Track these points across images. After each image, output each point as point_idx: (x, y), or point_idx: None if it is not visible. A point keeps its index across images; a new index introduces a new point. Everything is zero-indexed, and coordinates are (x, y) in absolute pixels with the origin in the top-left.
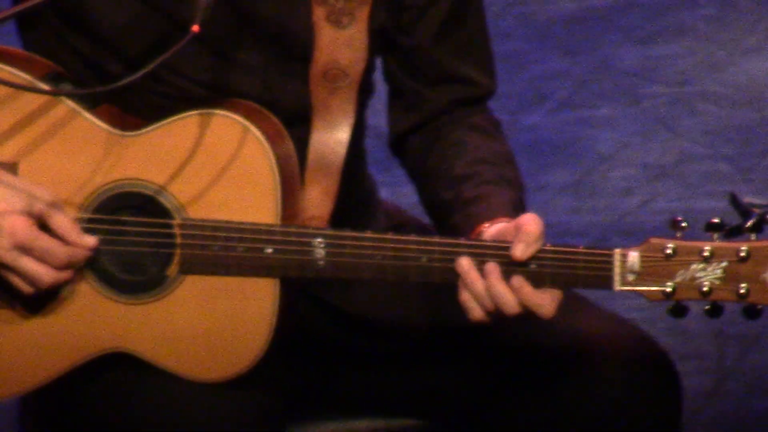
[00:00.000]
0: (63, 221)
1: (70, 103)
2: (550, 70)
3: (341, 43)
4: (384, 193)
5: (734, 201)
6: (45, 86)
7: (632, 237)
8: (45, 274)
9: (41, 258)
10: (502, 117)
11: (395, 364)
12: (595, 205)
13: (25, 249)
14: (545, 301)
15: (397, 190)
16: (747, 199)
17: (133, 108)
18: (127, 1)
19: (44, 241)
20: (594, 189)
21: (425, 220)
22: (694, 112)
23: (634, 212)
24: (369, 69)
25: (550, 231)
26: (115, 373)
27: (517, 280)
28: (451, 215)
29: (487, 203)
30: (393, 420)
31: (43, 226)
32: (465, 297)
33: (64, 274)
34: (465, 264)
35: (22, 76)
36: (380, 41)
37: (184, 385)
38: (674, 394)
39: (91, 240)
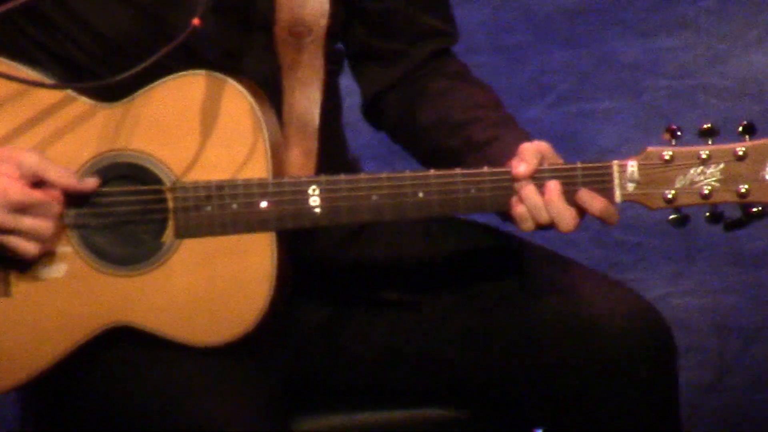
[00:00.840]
0: (58, 172)
1: (47, 79)
2: (551, 63)
3: (303, 1)
4: None
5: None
6: (49, 80)
7: (634, 231)
8: (47, 227)
9: (40, 213)
10: None
11: (394, 355)
12: None
13: (22, 209)
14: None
15: None
16: None
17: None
18: (115, 6)
19: (38, 195)
20: None
21: None
22: (696, 105)
23: (634, 205)
24: (334, 26)
25: None
26: (117, 363)
27: (586, 193)
28: (464, 161)
29: (505, 142)
30: (397, 412)
31: (40, 185)
32: (521, 210)
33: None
34: (525, 181)
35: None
36: (345, 7)
37: (186, 375)
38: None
39: (92, 181)
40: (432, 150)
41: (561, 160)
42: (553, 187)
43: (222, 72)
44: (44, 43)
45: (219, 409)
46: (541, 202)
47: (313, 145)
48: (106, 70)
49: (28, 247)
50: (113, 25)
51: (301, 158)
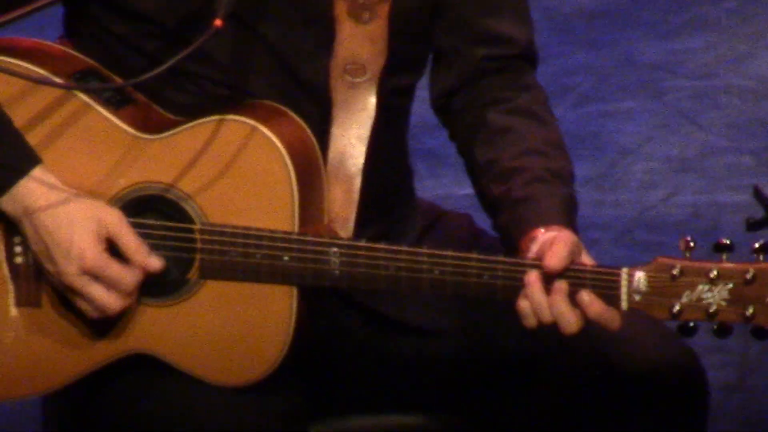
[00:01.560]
0: (131, 242)
1: (95, 104)
2: (572, 63)
3: (361, 38)
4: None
5: (758, 194)
6: (59, 80)
7: (655, 230)
8: (114, 302)
9: (110, 285)
10: None
11: (428, 362)
12: (618, 199)
13: (94, 276)
14: (613, 315)
15: (419, 184)
16: None
17: (162, 98)
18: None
19: (113, 269)
20: (617, 182)
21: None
22: (717, 106)
23: (657, 206)
24: (392, 66)
25: None
26: (138, 374)
27: (587, 295)
28: (500, 213)
29: (537, 205)
30: (413, 416)
31: (111, 245)
32: (524, 305)
33: (131, 299)
34: (532, 278)
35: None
36: (403, 36)
37: (206, 387)
38: (700, 392)
39: (157, 263)
40: (482, 191)
41: (587, 260)
42: (560, 288)
43: (273, 104)
44: (124, 34)
45: (236, 417)
46: (545, 302)
47: (356, 186)
48: (152, 43)
49: (91, 313)
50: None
51: (342, 196)
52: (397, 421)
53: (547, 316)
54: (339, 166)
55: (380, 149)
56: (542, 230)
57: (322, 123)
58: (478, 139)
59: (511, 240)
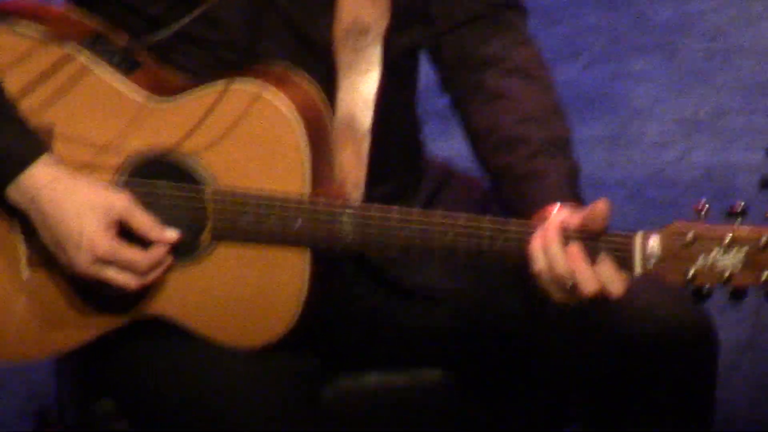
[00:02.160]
0: (144, 222)
1: (104, 68)
2: (585, 24)
3: (363, 1)
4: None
5: None
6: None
7: (668, 190)
8: (130, 281)
9: (125, 268)
10: None
11: (439, 324)
12: (631, 159)
13: (107, 261)
14: (617, 278)
15: (432, 145)
16: None
17: (170, 62)
18: None
19: (125, 253)
20: (629, 143)
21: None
22: (731, 66)
23: (669, 166)
24: (397, 26)
25: (585, 183)
26: (151, 337)
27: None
28: (502, 185)
29: (542, 182)
30: (425, 372)
31: (124, 226)
32: (536, 246)
33: (150, 277)
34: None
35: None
36: None
37: (220, 349)
38: (711, 355)
39: (173, 234)
40: (480, 156)
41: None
42: (575, 245)
43: (282, 67)
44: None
45: (250, 378)
46: (561, 254)
47: (365, 147)
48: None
49: (108, 293)
50: None
51: (351, 159)
52: (409, 380)
53: (561, 269)
54: (347, 128)
55: (388, 110)
56: (557, 206)
57: (329, 86)
58: (475, 103)
59: (515, 213)
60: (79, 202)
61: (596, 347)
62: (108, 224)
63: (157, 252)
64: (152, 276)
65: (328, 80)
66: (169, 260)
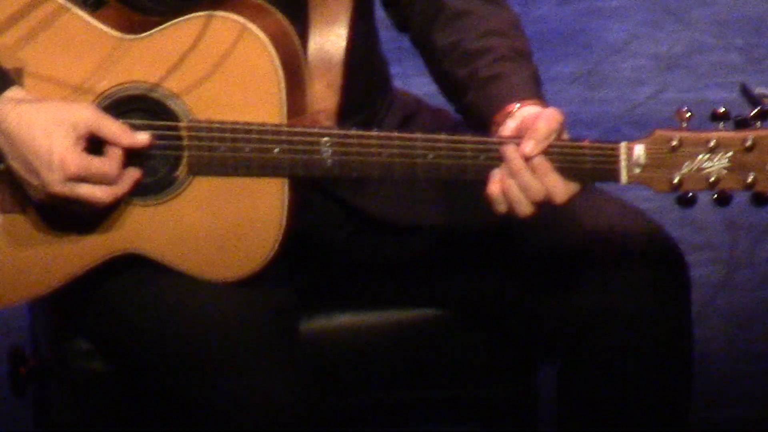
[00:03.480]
0: (112, 128)
1: (72, 6)
2: None
3: None
4: (396, 86)
5: (744, 91)
6: None
7: (643, 127)
8: (104, 194)
9: (97, 181)
10: (511, 8)
11: (409, 259)
12: (606, 96)
13: (79, 178)
14: (560, 186)
15: (408, 82)
16: (758, 89)
17: (146, 3)
18: None
19: (96, 165)
20: (604, 79)
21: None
22: (705, 3)
23: (644, 103)
24: None
25: None
26: (129, 273)
27: (540, 163)
28: (466, 93)
29: (507, 81)
30: (405, 311)
31: (94, 137)
32: (495, 189)
33: (122, 188)
34: (511, 151)
35: None
36: None
37: (197, 283)
38: (682, 284)
39: (145, 137)
40: (444, 74)
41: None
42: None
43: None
44: None
45: (228, 311)
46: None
47: (338, 78)
48: None
49: (83, 211)
50: None
51: (324, 90)
52: (385, 316)
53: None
54: (320, 62)
55: (357, 41)
56: (517, 105)
57: (299, 22)
58: (437, 24)
59: (480, 118)
60: (45, 120)
61: (565, 307)
62: (76, 138)
63: (120, 156)
64: (123, 188)
65: (297, 17)
66: (137, 173)
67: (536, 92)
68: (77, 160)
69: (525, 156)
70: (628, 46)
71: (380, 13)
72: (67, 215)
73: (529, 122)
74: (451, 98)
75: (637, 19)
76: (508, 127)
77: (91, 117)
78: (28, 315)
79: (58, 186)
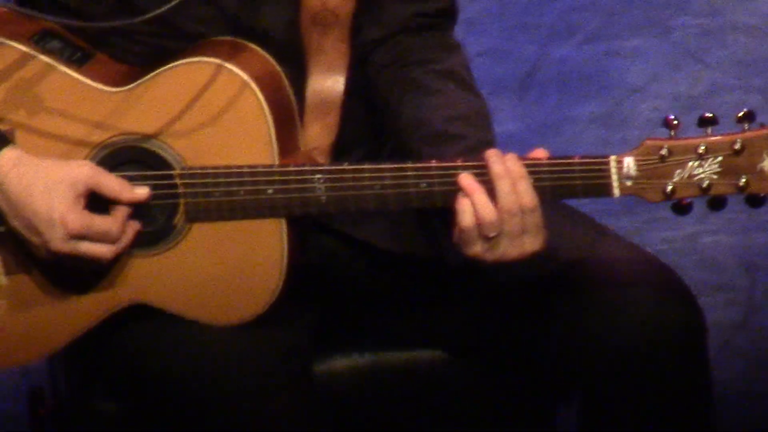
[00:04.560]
0: (111, 185)
1: (56, 62)
2: (579, 1)
3: None
4: None
5: None
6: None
7: None
8: (106, 252)
9: (99, 239)
10: (531, 49)
11: (419, 297)
12: (626, 137)
13: (80, 236)
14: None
15: None
16: None
17: (127, 56)
18: None
19: (97, 224)
20: (625, 121)
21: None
22: (725, 44)
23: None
24: (361, 12)
25: None
26: (139, 324)
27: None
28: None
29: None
30: (422, 352)
31: (92, 196)
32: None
33: (123, 243)
34: (466, 177)
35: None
36: None
37: (207, 328)
38: (696, 322)
39: (144, 191)
40: (407, 145)
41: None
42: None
43: (243, 41)
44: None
45: (240, 355)
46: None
47: (335, 119)
48: (100, 9)
49: (85, 267)
50: None
51: (319, 131)
52: (400, 358)
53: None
54: (316, 105)
55: (356, 86)
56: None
57: (297, 68)
58: (406, 98)
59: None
60: (45, 180)
61: (582, 351)
62: (76, 197)
63: (124, 213)
64: (125, 242)
65: (296, 68)
66: (137, 226)
67: None
68: (78, 218)
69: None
70: (647, 87)
71: None
72: (71, 272)
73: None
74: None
75: (657, 60)
76: None
77: (89, 174)
78: (47, 357)
79: (60, 244)
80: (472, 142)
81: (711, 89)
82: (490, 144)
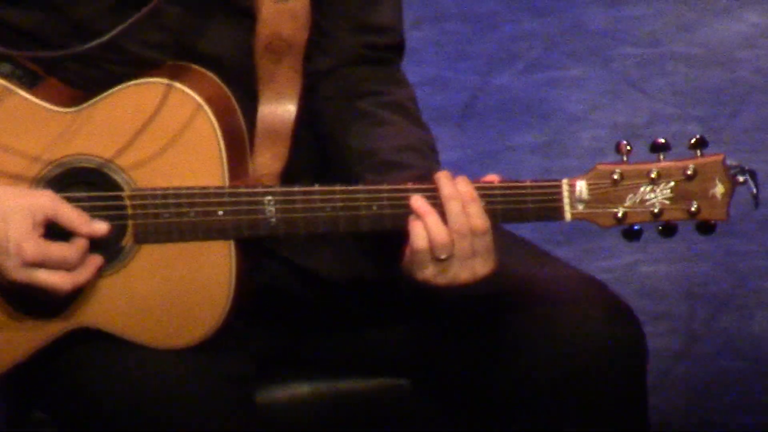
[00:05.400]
0: (71, 216)
1: (7, 84)
2: (520, 30)
3: (284, 16)
4: None
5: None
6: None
7: None
8: (63, 282)
9: (56, 266)
10: (472, 78)
11: (364, 323)
12: (566, 165)
13: (36, 263)
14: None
15: None
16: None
17: (79, 80)
18: None
19: (54, 252)
20: (565, 149)
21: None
22: (665, 73)
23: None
24: (313, 39)
25: None
26: (81, 347)
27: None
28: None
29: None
30: (365, 380)
31: (49, 225)
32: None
33: (83, 276)
34: (418, 199)
35: None
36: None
37: (152, 352)
38: (639, 343)
39: (103, 227)
40: (352, 175)
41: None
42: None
43: (193, 64)
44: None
45: (182, 380)
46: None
47: (284, 148)
48: (56, 35)
49: (42, 298)
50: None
51: (269, 160)
52: (345, 386)
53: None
54: (266, 133)
55: (305, 115)
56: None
57: (249, 96)
58: (354, 129)
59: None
60: (1, 206)
61: (525, 369)
62: (33, 225)
63: (83, 243)
64: (84, 275)
65: (246, 94)
66: (99, 260)
67: None
68: (34, 245)
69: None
70: (588, 117)
71: None
72: (15, 296)
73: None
74: (351, 176)
75: (597, 89)
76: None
77: (48, 204)
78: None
79: (15, 273)
80: (421, 172)
81: (651, 118)
82: (433, 172)
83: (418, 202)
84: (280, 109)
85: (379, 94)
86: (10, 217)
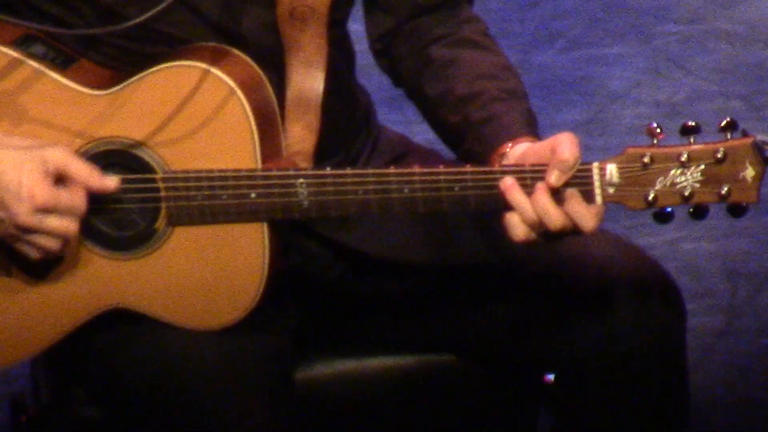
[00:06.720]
0: (81, 170)
1: (39, 66)
2: (561, 8)
3: None
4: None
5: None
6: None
7: None
8: (71, 227)
9: (66, 212)
10: (513, 56)
11: (405, 301)
12: (607, 143)
13: (47, 210)
14: (589, 214)
15: (411, 128)
16: (759, 137)
17: (111, 62)
18: None
19: (65, 196)
20: (606, 127)
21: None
22: (706, 50)
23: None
24: (339, 9)
25: None
26: (118, 328)
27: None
28: (463, 139)
29: (499, 122)
30: (403, 357)
31: (61, 178)
32: (510, 216)
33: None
34: (509, 181)
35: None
36: None
37: (187, 333)
38: (677, 314)
39: (114, 182)
40: (439, 123)
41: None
42: (540, 186)
43: (225, 44)
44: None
45: (222, 359)
46: (527, 202)
47: (316, 119)
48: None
49: (51, 246)
50: None
51: (301, 132)
52: (382, 364)
53: (531, 215)
54: (297, 105)
55: (335, 83)
56: (509, 144)
57: (277, 67)
58: (426, 76)
59: (478, 161)
60: (15, 155)
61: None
62: (46, 174)
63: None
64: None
65: (275, 64)
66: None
67: (529, 130)
68: (45, 190)
69: (551, 186)
70: (629, 94)
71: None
72: (52, 276)
73: (544, 151)
74: (451, 146)
75: (639, 67)
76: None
77: (61, 156)
78: (28, 363)
79: (27, 217)
80: (493, 93)
81: (692, 96)
82: (510, 91)
83: (506, 184)
84: (308, 78)
85: (445, 36)
86: (23, 165)
